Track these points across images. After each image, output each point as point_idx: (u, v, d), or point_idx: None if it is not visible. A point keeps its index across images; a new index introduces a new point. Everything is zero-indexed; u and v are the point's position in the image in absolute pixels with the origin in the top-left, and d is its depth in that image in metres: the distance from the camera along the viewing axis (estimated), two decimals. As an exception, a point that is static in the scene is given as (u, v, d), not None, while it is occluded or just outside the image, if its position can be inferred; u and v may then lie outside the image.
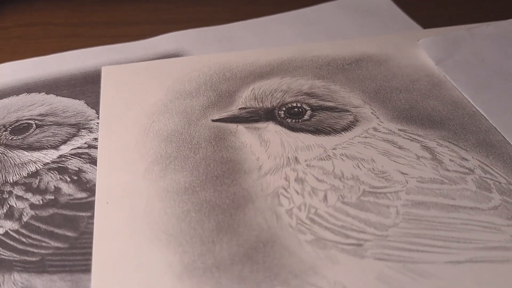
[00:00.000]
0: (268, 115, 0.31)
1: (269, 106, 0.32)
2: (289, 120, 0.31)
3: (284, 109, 0.31)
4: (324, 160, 0.28)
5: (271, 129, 0.30)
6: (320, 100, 0.32)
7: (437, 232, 0.24)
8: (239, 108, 0.32)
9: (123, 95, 0.34)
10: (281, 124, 0.31)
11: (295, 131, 0.30)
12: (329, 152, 0.29)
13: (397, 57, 0.36)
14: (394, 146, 0.29)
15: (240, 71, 0.35)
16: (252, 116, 0.31)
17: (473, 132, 0.30)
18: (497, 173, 0.27)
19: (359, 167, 0.28)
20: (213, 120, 0.31)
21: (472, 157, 0.28)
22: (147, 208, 0.26)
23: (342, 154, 0.28)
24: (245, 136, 0.30)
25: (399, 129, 0.30)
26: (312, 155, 0.28)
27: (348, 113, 0.31)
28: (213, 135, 0.30)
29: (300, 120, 0.31)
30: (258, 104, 0.32)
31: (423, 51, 0.36)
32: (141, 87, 0.34)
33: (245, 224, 0.25)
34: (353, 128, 0.30)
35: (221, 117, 0.31)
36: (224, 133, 0.30)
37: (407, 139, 0.29)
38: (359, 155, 0.28)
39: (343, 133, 0.30)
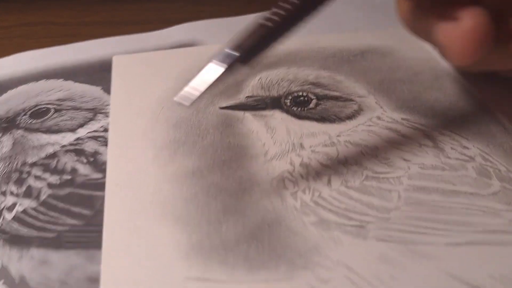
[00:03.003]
0: (274, 103, 0.32)
1: (276, 95, 0.33)
2: (294, 108, 0.32)
3: (290, 97, 0.32)
4: (329, 146, 0.29)
5: (277, 116, 0.31)
6: (325, 89, 0.33)
7: (438, 216, 0.25)
8: (246, 97, 0.33)
9: (133, 84, 0.35)
10: (287, 112, 0.31)
11: (300, 119, 0.31)
12: (334, 139, 0.29)
13: (401, 50, 0.37)
14: (397, 134, 0.30)
15: (247, 61, 0.36)
16: (258, 104, 0.32)
17: (475, 122, 0.30)
18: (497, 161, 0.27)
19: (362, 153, 0.28)
20: (220, 108, 0.32)
21: (473, 146, 0.29)
22: (156, 190, 0.27)
23: (346, 141, 0.29)
24: (251, 123, 0.31)
25: (402, 118, 0.31)
26: (317, 142, 0.29)
27: (353, 102, 0.32)
28: (220, 122, 0.31)
29: (305, 109, 0.32)
30: (265, 93, 0.33)
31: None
32: (150, 76, 0.35)
33: (251, 206, 0.26)
34: (357, 116, 0.31)
35: (229, 105, 0.32)
36: (232, 120, 0.31)
37: (410, 127, 0.30)
38: (363, 142, 0.29)
39: (347, 121, 0.31)
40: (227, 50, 0.23)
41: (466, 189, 0.26)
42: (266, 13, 0.23)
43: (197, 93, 0.23)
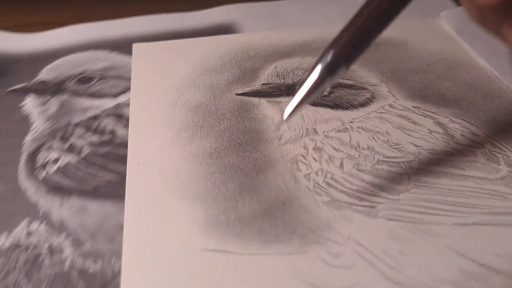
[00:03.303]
0: (289, 90, 0.33)
1: (290, 83, 0.34)
2: (309, 95, 0.32)
3: (304, 85, 0.33)
4: (342, 132, 0.30)
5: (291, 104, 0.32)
6: (339, 78, 0.34)
7: (446, 198, 0.25)
8: (262, 84, 0.34)
9: (152, 70, 0.36)
10: (302, 99, 0.32)
11: (314, 106, 0.32)
12: (347, 125, 0.30)
13: (414, 41, 0.38)
14: (408, 121, 0.30)
15: (264, 51, 0.37)
16: (274, 91, 0.33)
17: (485, 110, 0.31)
18: (506, 148, 0.28)
19: (374, 139, 0.29)
20: (237, 94, 0.33)
21: (483, 133, 0.29)
22: (175, 169, 0.28)
23: (358, 127, 0.30)
24: (266, 108, 0.32)
25: (413, 106, 0.32)
26: (330, 127, 0.30)
27: (366, 90, 0.33)
28: (236, 107, 0.32)
29: (319, 96, 0.33)
30: (280, 81, 0.34)
31: (444, 24, 0.39)
32: (169, 63, 0.36)
33: (265, 185, 0.27)
34: (370, 104, 0.32)
35: (245, 91, 0.33)
36: (247, 105, 0.32)
37: (421, 115, 0.31)
38: (375, 128, 0.30)
39: (360, 108, 0.32)
40: (332, 55, 0.22)
41: (475, 174, 0.27)
42: (357, 14, 0.23)
43: (302, 105, 0.22)
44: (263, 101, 0.32)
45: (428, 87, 0.33)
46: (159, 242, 0.24)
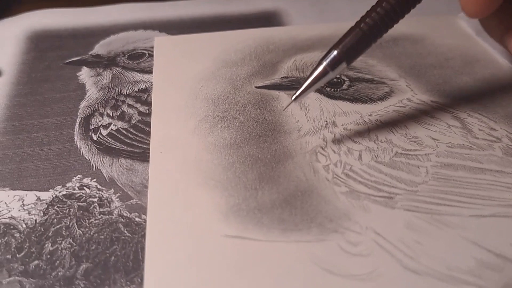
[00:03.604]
0: (292, 95, 0.34)
1: (310, 76, 0.34)
2: (328, 89, 0.33)
3: (323, 79, 0.34)
4: (360, 124, 0.30)
5: (311, 96, 0.33)
6: (358, 72, 0.34)
7: (464, 190, 0.26)
8: (281, 77, 0.34)
9: (173, 63, 0.37)
10: (321, 92, 0.33)
11: (333, 99, 0.32)
12: (365, 118, 0.31)
13: (433, 37, 0.38)
14: (426, 115, 0.31)
15: (283, 45, 0.38)
16: (293, 84, 0.34)
17: (503, 106, 0.31)
18: (524, 142, 0.29)
19: (392, 132, 0.30)
20: (256, 87, 0.34)
21: (501, 128, 0.30)
22: (197, 158, 0.28)
23: (377, 120, 0.30)
24: (286, 101, 0.32)
25: (431, 101, 0.32)
26: (349, 120, 0.31)
27: (384, 85, 0.33)
28: (256, 99, 0.33)
29: (338, 89, 0.33)
30: (299, 74, 0.35)
31: (463, 25, 0.39)
32: (190, 56, 0.37)
33: (285, 175, 0.27)
34: (388, 98, 0.32)
35: (264, 84, 0.34)
36: (267, 98, 0.33)
37: (439, 109, 0.31)
38: (393, 121, 0.30)
39: (378, 102, 0.32)
40: (335, 54, 0.27)
41: (492, 167, 0.27)
42: (363, 17, 0.27)
43: (309, 91, 0.27)
44: (282, 94, 0.33)
45: (447, 82, 0.34)
46: (182, 228, 0.25)
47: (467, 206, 0.25)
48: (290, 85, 0.34)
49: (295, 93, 0.27)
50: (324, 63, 0.27)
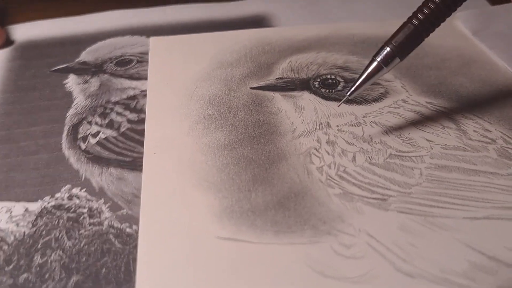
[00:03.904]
0: (303, 85, 0.34)
1: (305, 77, 0.34)
2: (323, 90, 0.33)
3: (318, 80, 0.34)
4: (355, 126, 0.30)
5: (305, 97, 0.33)
6: (353, 73, 0.34)
7: (457, 192, 0.26)
8: (276, 78, 0.34)
9: (169, 63, 0.36)
10: (315, 93, 0.33)
11: (328, 100, 0.32)
12: (360, 119, 0.31)
13: (429, 38, 0.38)
14: (421, 116, 0.31)
15: (279, 45, 0.38)
16: (288, 86, 0.34)
17: (498, 107, 0.31)
18: (519, 144, 0.28)
19: (387, 133, 0.29)
20: (251, 88, 0.34)
21: (495, 129, 0.30)
22: (191, 160, 0.28)
23: (371, 121, 0.30)
24: (281, 102, 0.32)
25: (426, 102, 0.32)
26: (343, 121, 0.31)
27: (379, 86, 0.33)
28: (251, 100, 0.33)
29: (333, 91, 0.33)
30: (294, 75, 0.34)
31: (459, 25, 0.39)
32: (185, 56, 0.37)
33: (278, 177, 0.27)
34: (383, 99, 0.32)
35: (259, 85, 0.34)
36: (262, 99, 0.33)
37: (434, 110, 0.31)
38: (388, 123, 0.30)
39: (373, 103, 0.32)
40: (388, 51, 0.27)
41: (486, 169, 0.27)
42: (414, 12, 0.27)
43: (363, 87, 0.28)
44: (277, 95, 0.33)
45: (442, 83, 0.33)
46: (175, 230, 0.25)
47: (461, 208, 0.25)
48: (285, 86, 0.34)
49: (349, 89, 0.28)
50: (378, 59, 0.27)
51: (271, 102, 0.32)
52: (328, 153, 0.28)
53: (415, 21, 0.27)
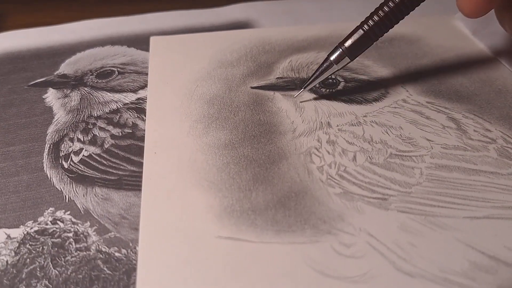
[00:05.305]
0: (303, 84, 0.33)
1: (305, 77, 0.34)
2: (323, 90, 0.33)
3: (319, 79, 0.34)
4: (355, 125, 0.30)
5: (306, 97, 0.33)
6: (353, 73, 0.34)
7: (458, 192, 0.26)
8: (277, 78, 0.34)
9: (169, 63, 0.36)
10: (316, 92, 0.33)
11: (328, 100, 0.32)
12: (360, 119, 0.31)
13: (428, 38, 0.38)
14: (421, 116, 0.31)
15: (279, 45, 0.38)
16: (288, 85, 0.34)
17: (498, 107, 0.31)
18: (519, 144, 0.28)
19: (387, 133, 0.30)
20: (252, 87, 0.34)
21: (496, 129, 0.30)
22: (191, 159, 0.28)
23: (372, 121, 0.30)
24: (281, 102, 0.32)
25: (427, 102, 0.32)
26: (344, 121, 0.31)
27: (380, 85, 0.33)
28: (251, 100, 0.33)
29: (334, 90, 0.33)
30: (295, 75, 0.35)
31: (459, 25, 0.39)
32: (186, 56, 0.37)
33: (279, 176, 0.27)
34: (383, 99, 0.32)
35: (260, 85, 0.34)
36: (262, 99, 0.33)
37: (434, 110, 0.31)
38: (388, 122, 0.30)
39: (374, 103, 0.32)
40: (340, 49, 0.30)
41: (487, 169, 0.27)
42: (366, 18, 0.30)
43: (314, 83, 0.31)
44: (277, 95, 0.33)
45: (442, 82, 0.33)
46: (175, 229, 0.25)
47: (461, 208, 0.25)
48: (285, 85, 0.34)
49: (305, 83, 0.31)
50: (331, 59, 0.30)
51: (271, 101, 0.32)
52: (329, 153, 0.28)
53: (365, 27, 0.30)
